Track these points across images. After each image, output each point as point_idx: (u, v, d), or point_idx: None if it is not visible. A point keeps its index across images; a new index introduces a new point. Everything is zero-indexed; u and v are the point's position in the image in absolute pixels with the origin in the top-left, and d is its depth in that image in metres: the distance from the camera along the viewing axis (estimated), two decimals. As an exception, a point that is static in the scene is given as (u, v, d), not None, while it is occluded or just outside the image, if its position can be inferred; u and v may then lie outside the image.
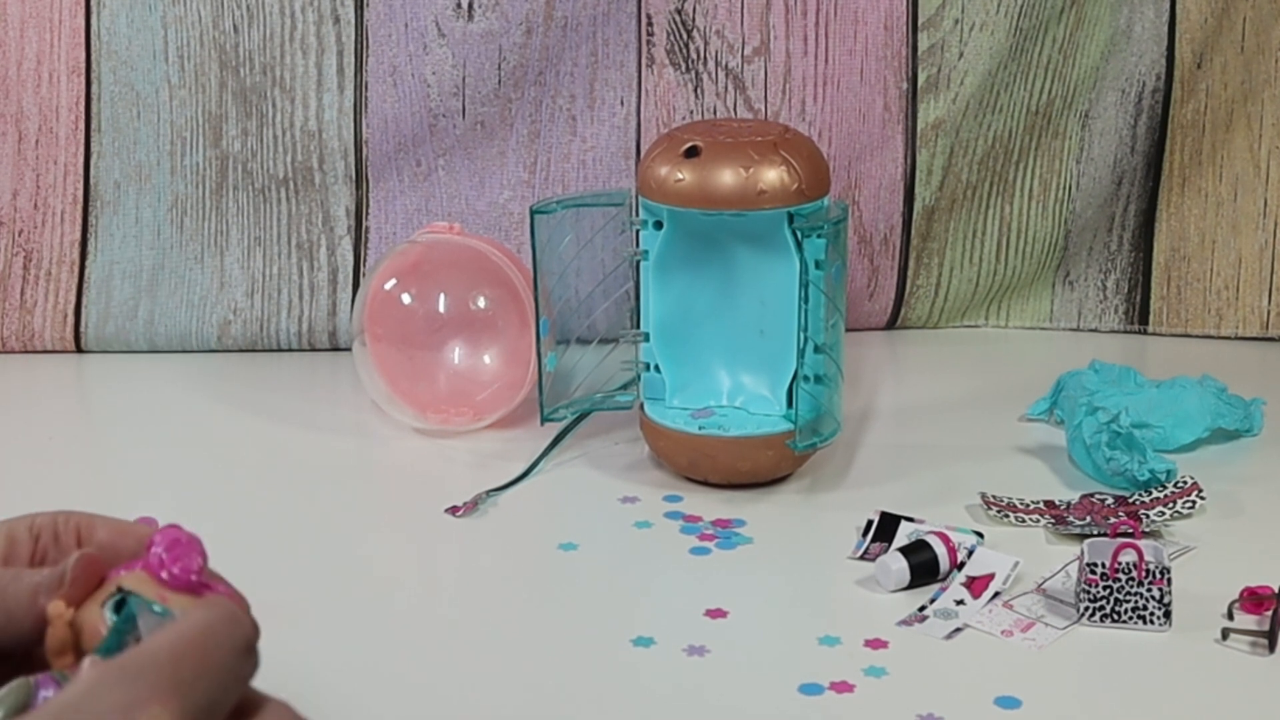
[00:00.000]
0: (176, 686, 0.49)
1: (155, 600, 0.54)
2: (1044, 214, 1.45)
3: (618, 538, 1.10)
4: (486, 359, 1.25)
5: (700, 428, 1.16)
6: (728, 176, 1.10)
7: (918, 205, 1.43)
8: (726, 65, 1.39)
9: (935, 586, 1.01)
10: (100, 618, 0.54)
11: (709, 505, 1.14)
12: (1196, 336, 1.47)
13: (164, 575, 0.55)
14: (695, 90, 1.40)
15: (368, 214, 1.40)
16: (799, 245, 1.11)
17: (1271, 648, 0.94)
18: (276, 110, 1.37)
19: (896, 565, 1.01)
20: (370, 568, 1.08)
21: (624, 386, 1.21)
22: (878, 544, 1.06)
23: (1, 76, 1.36)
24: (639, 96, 1.40)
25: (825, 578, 1.05)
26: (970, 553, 1.03)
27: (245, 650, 0.52)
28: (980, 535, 1.06)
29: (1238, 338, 1.46)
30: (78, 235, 1.39)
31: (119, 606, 0.54)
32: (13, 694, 0.51)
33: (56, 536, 0.59)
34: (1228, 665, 0.94)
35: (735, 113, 1.40)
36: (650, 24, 1.38)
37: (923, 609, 0.99)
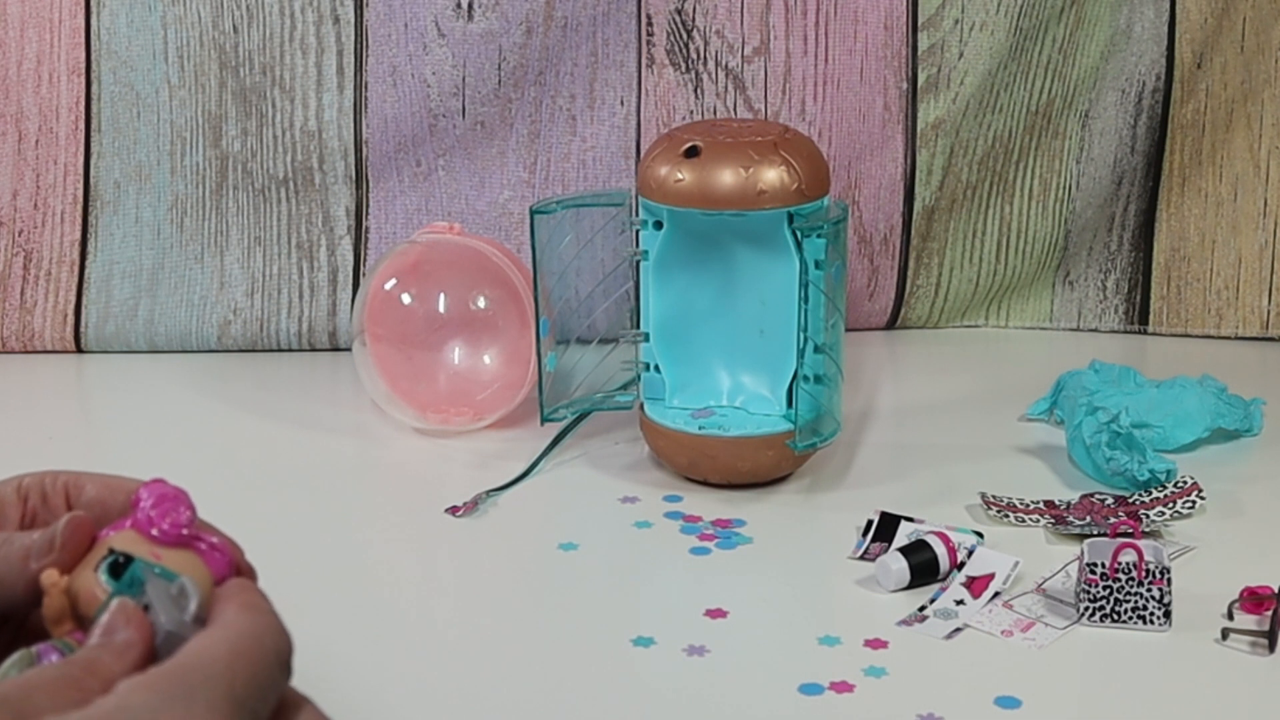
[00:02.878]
0: (232, 702, 0.47)
1: (150, 559, 0.53)
2: (1044, 214, 1.45)
3: (618, 538, 1.10)
4: (486, 359, 1.25)
5: (700, 428, 1.16)
6: (728, 176, 1.10)
7: (918, 205, 1.43)
8: (726, 65, 1.39)
9: (935, 586, 1.01)
10: (95, 582, 0.53)
11: (709, 505, 1.14)
12: (1196, 336, 1.47)
13: (154, 532, 0.54)
14: (695, 90, 1.40)
15: (368, 214, 1.40)
16: (799, 245, 1.11)
17: (1271, 648, 0.94)
18: (276, 110, 1.37)
19: (896, 565, 1.01)
20: (370, 568, 1.08)
21: (624, 386, 1.21)
22: (878, 544, 1.06)
23: (1, 76, 1.36)
24: (639, 96, 1.40)
25: (825, 578, 1.05)
26: (970, 553, 1.03)
27: (286, 662, 0.50)
28: (980, 535, 1.06)
29: (1238, 338, 1.46)
30: (78, 235, 1.39)
31: (113, 569, 0.53)
32: (15, 667, 0.51)
33: (45, 497, 0.58)
34: (1228, 665, 0.94)
35: (735, 113, 1.40)
36: (650, 24, 1.38)
37: (923, 609, 0.99)
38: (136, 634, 0.50)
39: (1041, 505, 1.12)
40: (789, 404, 1.16)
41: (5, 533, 0.56)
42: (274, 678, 0.49)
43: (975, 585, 1.01)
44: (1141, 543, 0.98)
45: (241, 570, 0.56)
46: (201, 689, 0.46)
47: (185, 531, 0.54)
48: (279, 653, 0.50)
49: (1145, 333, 1.47)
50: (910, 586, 1.01)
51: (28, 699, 0.47)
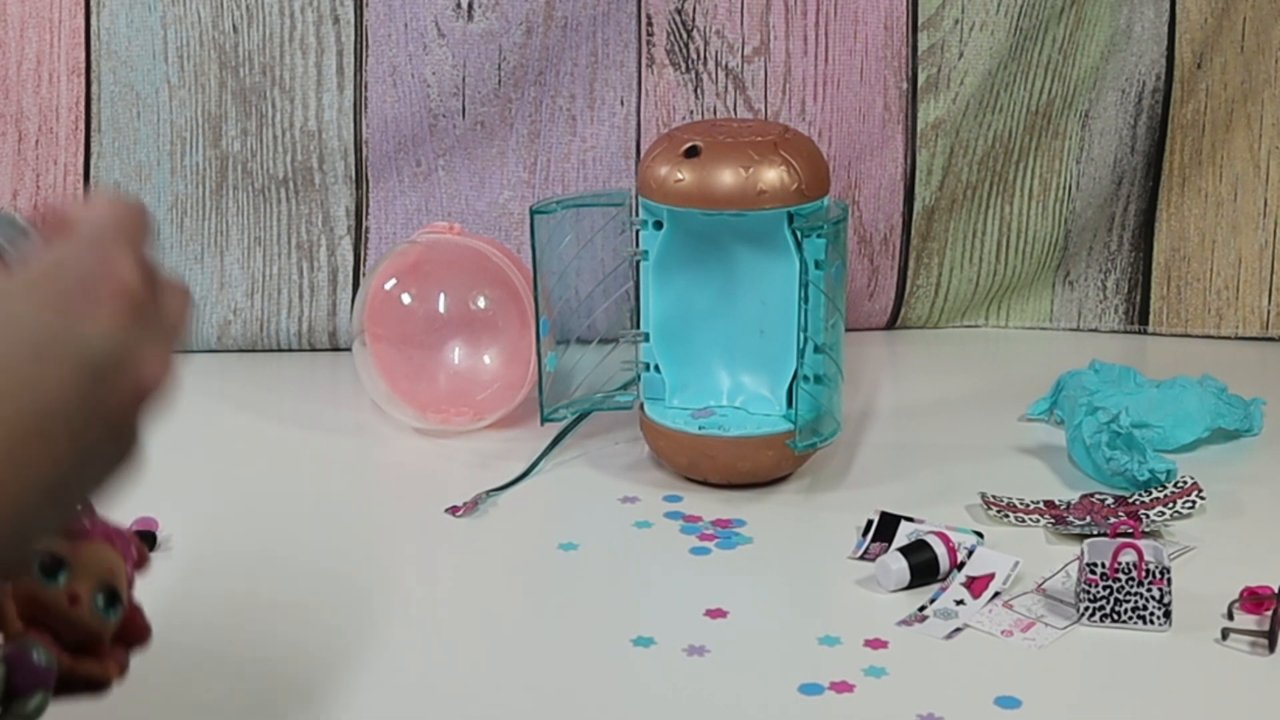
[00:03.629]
0: (133, 245, 0.51)
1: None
2: (1044, 214, 1.45)
3: (618, 538, 1.10)
4: (486, 359, 1.25)
5: (700, 428, 1.16)
6: (728, 176, 1.10)
7: (918, 205, 1.43)
8: (726, 65, 1.39)
9: (935, 586, 1.01)
10: (33, 583, 0.55)
11: (709, 505, 1.14)
12: (1196, 336, 1.46)
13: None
14: (695, 90, 1.40)
15: (368, 214, 1.40)
16: (799, 245, 1.11)
17: (1271, 648, 0.94)
18: (276, 110, 1.37)
19: (896, 565, 1.01)
20: (370, 568, 1.08)
21: (624, 386, 1.21)
22: (878, 544, 1.06)
23: (1, 76, 1.36)
24: (639, 96, 1.40)
25: (825, 578, 1.05)
26: (970, 553, 1.03)
27: (152, 228, 0.54)
28: (980, 535, 1.06)
29: (1238, 338, 1.46)
30: (78, 235, 1.39)
31: (42, 568, 0.55)
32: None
33: None
34: (1228, 665, 0.94)
35: (735, 113, 1.40)
36: (650, 24, 1.38)
37: (923, 609, 0.99)
38: None
39: (1041, 505, 1.12)
40: (789, 404, 1.16)
41: None
42: (150, 229, 0.53)
43: (975, 585, 1.01)
44: (1141, 543, 0.98)
45: (140, 551, 0.60)
46: (107, 233, 0.51)
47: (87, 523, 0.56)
48: (145, 214, 0.53)
49: (1145, 333, 1.47)
50: (910, 586, 1.01)
51: None
